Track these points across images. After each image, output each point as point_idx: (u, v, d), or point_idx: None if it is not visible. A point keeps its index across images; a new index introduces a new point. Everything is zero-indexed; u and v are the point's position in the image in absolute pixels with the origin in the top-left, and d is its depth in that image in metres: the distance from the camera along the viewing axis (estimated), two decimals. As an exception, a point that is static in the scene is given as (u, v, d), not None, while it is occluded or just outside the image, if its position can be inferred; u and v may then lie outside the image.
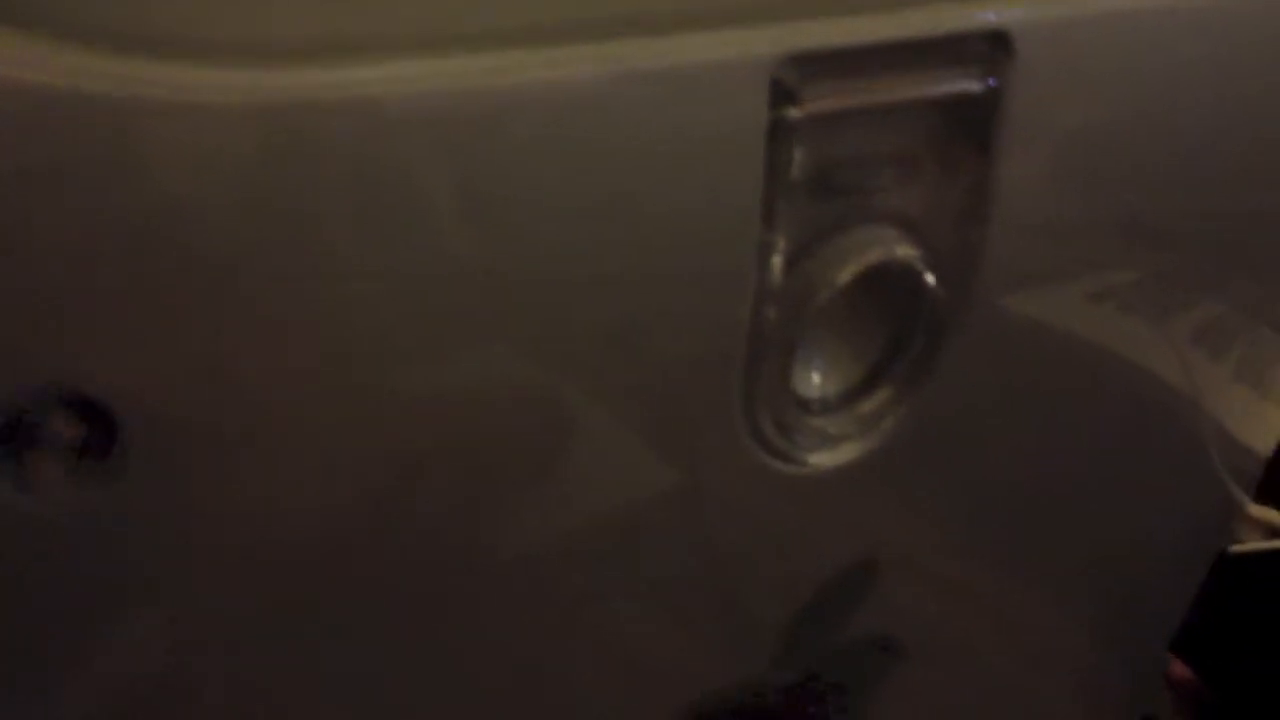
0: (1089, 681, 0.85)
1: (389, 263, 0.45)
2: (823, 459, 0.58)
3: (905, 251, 0.55)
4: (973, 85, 0.54)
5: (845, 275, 0.54)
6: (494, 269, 0.47)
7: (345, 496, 0.49)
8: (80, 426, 0.41)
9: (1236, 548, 1.12)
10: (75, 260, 0.40)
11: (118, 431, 0.41)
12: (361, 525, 0.50)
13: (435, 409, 0.49)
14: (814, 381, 0.58)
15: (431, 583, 0.53)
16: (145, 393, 0.42)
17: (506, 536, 0.53)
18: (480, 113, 0.44)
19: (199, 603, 0.48)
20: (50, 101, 0.38)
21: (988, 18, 0.53)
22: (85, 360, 0.41)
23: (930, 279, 0.56)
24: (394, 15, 0.44)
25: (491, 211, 0.46)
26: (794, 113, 0.50)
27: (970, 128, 0.55)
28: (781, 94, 0.49)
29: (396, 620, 0.53)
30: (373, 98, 0.42)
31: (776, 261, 0.52)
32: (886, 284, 0.56)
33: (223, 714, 0.51)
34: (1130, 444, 0.72)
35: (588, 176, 0.47)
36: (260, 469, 0.46)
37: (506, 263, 0.47)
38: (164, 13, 0.41)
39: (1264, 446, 0.80)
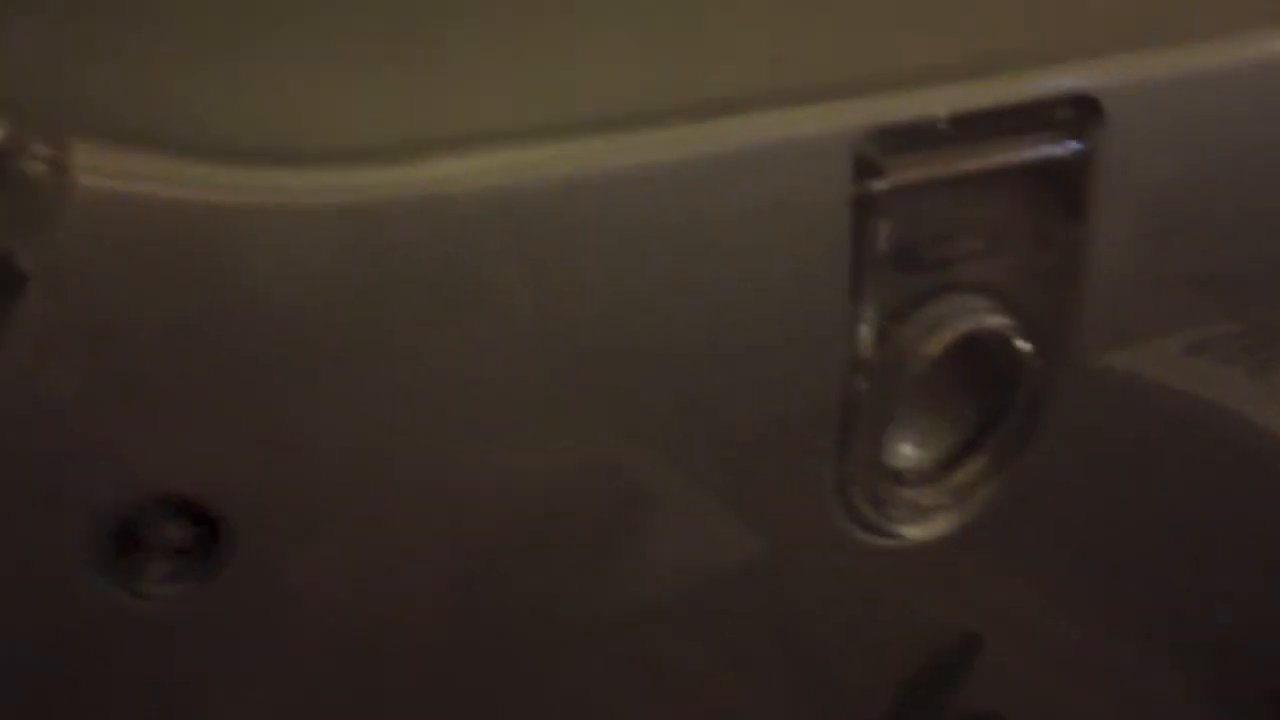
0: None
1: (473, 348, 0.46)
2: (916, 531, 0.57)
3: (997, 320, 0.54)
4: (1059, 150, 0.53)
5: (936, 346, 0.53)
6: (580, 350, 0.47)
7: (436, 573, 0.49)
8: (185, 528, 0.41)
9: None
10: (174, 363, 0.41)
11: (220, 531, 0.42)
12: (450, 602, 0.50)
13: (520, 487, 0.49)
14: (906, 453, 0.57)
15: (518, 658, 0.53)
16: (241, 490, 0.43)
17: (591, 611, 0.53)
18: (560, 199, 0.45)
19: (291, 687, 0.49)
20: (152, 209, 0.40)
21: (1073, 83, 0.52)
22: (185, 463, 0.42)
23: (1024, 346, 0.55)
24: (476, 112, 0.45)
25: (575, 294, 0.46)
26: (878, 186, 0.50)
27: (1058, 192, 0.54)
28: (865, 168, 0.49)
29: (484, 694, 0.53)
30: (449, 194, 0.43)
31: (865, 333, 0.52)
32: (979, 352, 0.55)
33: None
34: (1236, 499, 0.70)
35: (671, 256, 0.48)
36: (350, 555, 0.47)
37: (592, 342, 0.48)
38: (256, 125, 0.42)
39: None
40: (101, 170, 0.38)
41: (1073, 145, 0.53)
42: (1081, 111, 0.53)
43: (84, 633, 0.42)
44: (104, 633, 0.42)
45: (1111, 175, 0.54)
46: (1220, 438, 0.67)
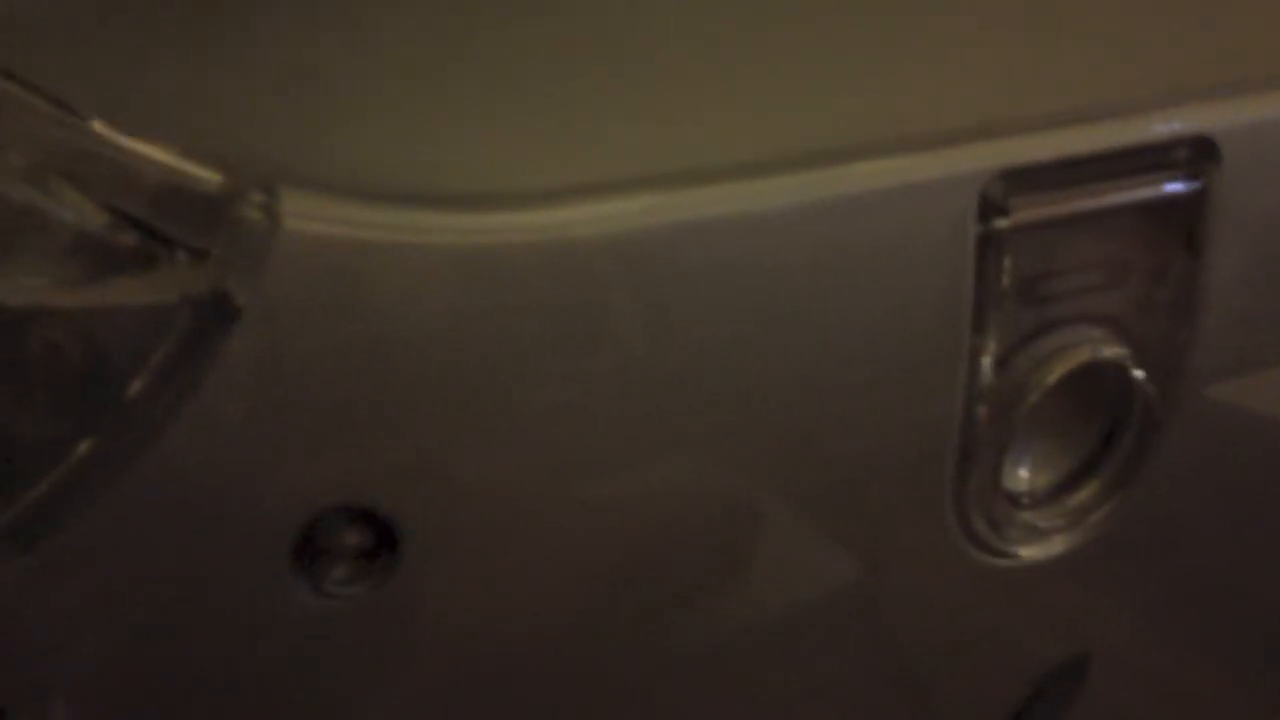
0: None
1: (593, 383, 0.48)
2: (1032, 552, 0.59)
3: (1114, 351, 0.57)
4: (1178, 188, 0.55)
5: (1054, 375, 0.55)
6: (697, 385, 0.50)
7: (558, 597, 0.52)
8: (365, 534, 0.45)
9: None
10: (346, 388, 0.45)
11: (397, 537, 0.46)
12: (571, 625, 0.53)
13: (637, 517, 0.51)
14: (1023, 476, 0.59)
15: (633, 672, 0.55)
16: (408, 499, 0.47)
17: (708, 637, 0.55)
18: (683, 243, 0.48)
19: (428, 692, 0.52)
20: (342, 249, 0.44)
21: (1190, 125, 0.54)
22: (360, 474, 0.46)
23: (1140, 375, 0.57)
24: (601, 160, 0.48)
25: (693, 335, 0.49)
26: (1002, 224, 0.52)
27: (1176, 228, 0.56)
28: (990, 207, 0.52)
29: (603, 707, 0.55)
30: (574, 239, 0.46)
31: (986, 363, 0.54)
32: (1096, 381, 0.57)
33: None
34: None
35: (797, 295, 0.50)
36: (486, 573, 0.50)
37: (717, 379, 0.50)
38: (410, 172, 0.46)
39: None
40: (306, 214, 0.42)
41: (1190, 184, 0.55)
42: (1198, 152, 0.55)
43: (273, 629, 0.46)
44: (292, 630, 0.46)
45: (1227, 212, 0.56)
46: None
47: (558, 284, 0.47)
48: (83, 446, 0.41)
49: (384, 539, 0.46)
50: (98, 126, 0.40)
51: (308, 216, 0.43)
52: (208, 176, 0.42)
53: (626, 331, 0.48)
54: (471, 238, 0.45)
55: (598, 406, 0.49)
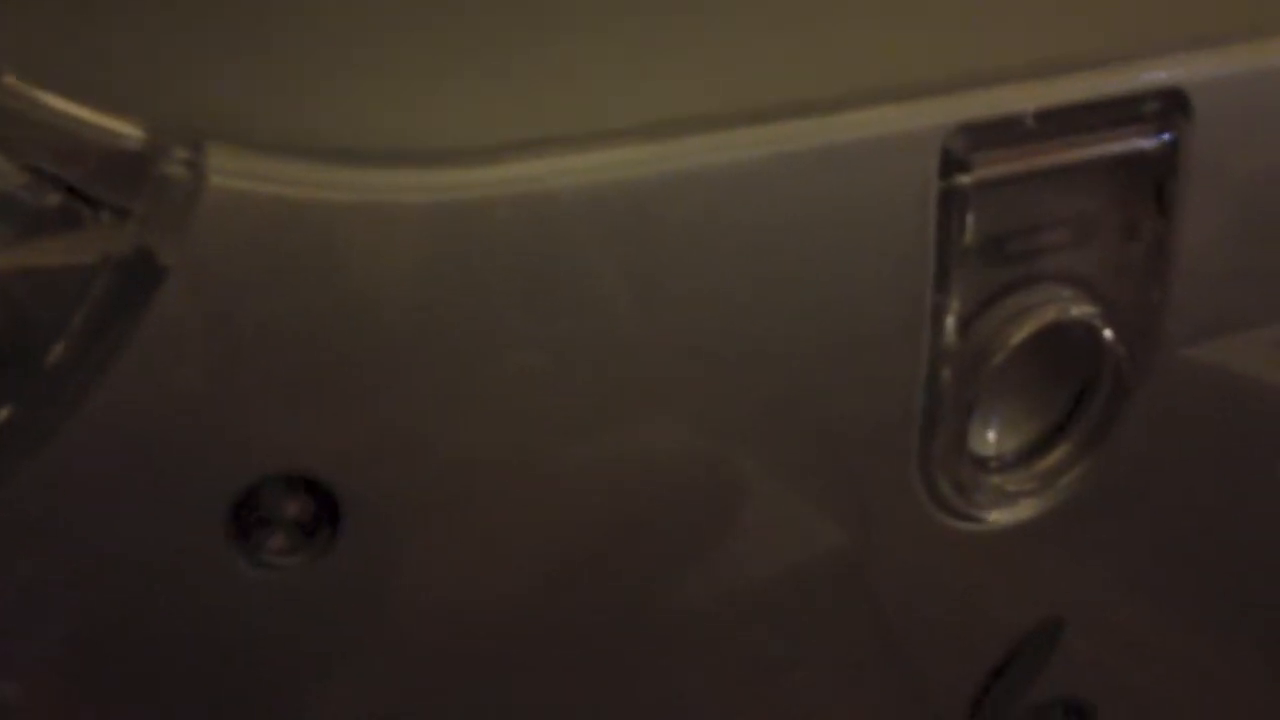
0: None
1: (562, 344, 0.47)
2: (1001, 516, 0.58)
3: (1082, 309, 0.55)
4: (1147, 143, 0.54)
5: (1020, 335, 0.54)
6: (664, 345, 0.49)
7: (532, 561, 0.51)
8: (305, 503, 0.44)
9: None
10: (292, 352, 0.44)
11: (339, 506, 0.44)
12: (544, 590, 0.52)
13: (607, 478, 0.51)
14: (991, 439, 0.58)
15: (604, 644, 0.54)
16: (354, 471, 0.46)
17: (679, 599, 0.55)
18: (651, 197, 0.46)
19: (400, 662, 0.51)
20: (276, 208, 0.42)
21: (1161, 77, 0.53)
22: (302, 442, 0.45)
23: (1109, 335, 0.56)
24: (565, 113, 0.47)
25: (659, 292, 0.48)
26: (965, 180, 0.51)
27: (1147, 184, 0.55)
28: (952, 163, 0.50)
29: (573, 679, 0.55)
30: (546, 192, 0.45)
31: (950, 323, 0.53)
32: (1065, 342, 0.56)
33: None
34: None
35: (758, 252, 0.49)
36: (453, 539, 0.49)
37: (677, 339, 0.49)
38: (365, 128, 0.45)
39: None
40: (233, 171, 0.41)
41: (1160, 139, 0.54)
42: (1169, 105, 0.53)
43: (208, 599, 0.45)
44: (226, 600, 0.45)
45: (1199, 168, 0.55)
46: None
47: (511, 242, 0.45)
48: (2, 414, 0.40)
49: (326, 509, 0.45)
50: (12, 81, 0.39)
51: (235, 173, 0.41)
52: (130, 133, 0.40)
53: (600, 288, 0.47)
54: (411, 195, 0.44)
55: (568, 371, 0.48)
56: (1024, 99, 0.51)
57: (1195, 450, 0.64)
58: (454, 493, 0.48)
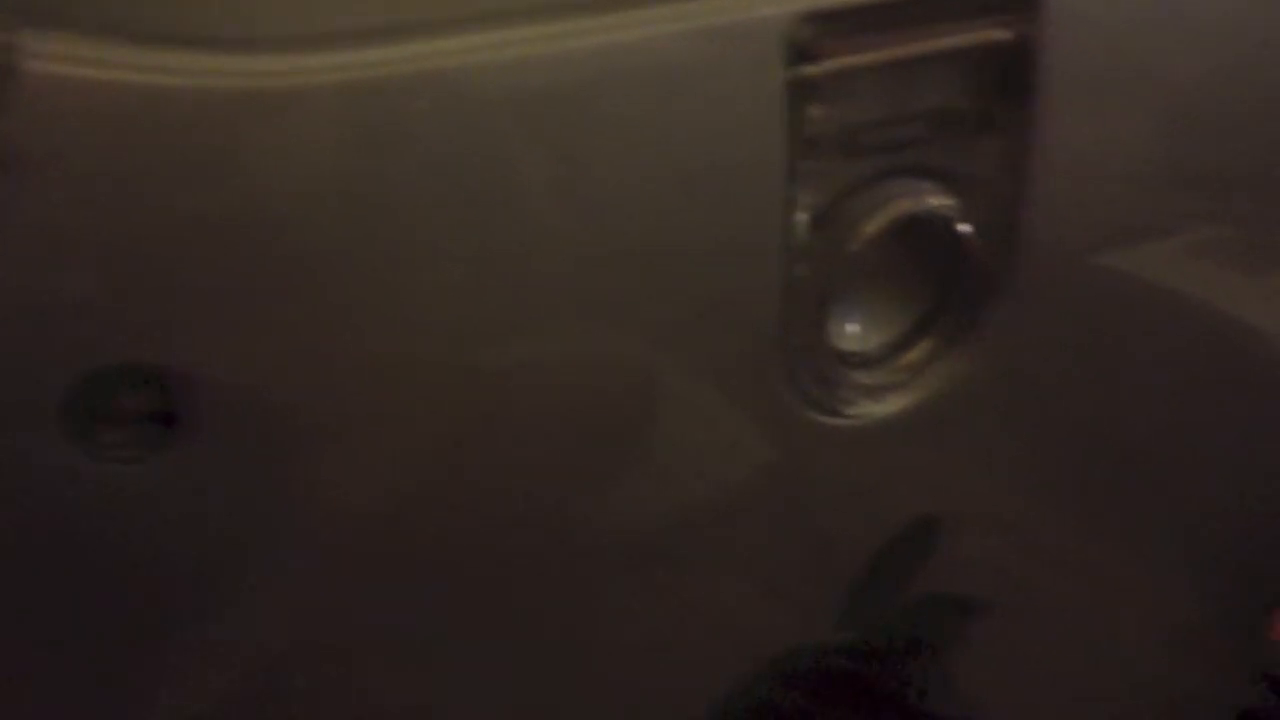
0: (1187, 637, 0.83)
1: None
2: (866, 410, 0.59)
3: (939, 202, 0.56)
4: (1000, 33, 0.54)
5: (873, 227, 0.54)
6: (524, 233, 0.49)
7: (441, 471, 0.51)
8: (145, 397, 0.44)
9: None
10: (121, 243, 0.44)
11: (177, 402, 0.44)
12: (454, 496, 0.52)
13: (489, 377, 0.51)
14: (854, 335, 0.58)
15: (498, 543, 0.54)
16: (216, 369, 0.45)
17: (554, 500, 0.55)
18: (488, 85, 0.46)
19: (277, 569, 0.51)
20: (131, 97, 0.42)
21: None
22: (150, 336, 0.44)
23: (965, 229, 0.56)
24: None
25: (519, 171, 0.48)
26: (812, 70, 0.51)
27: (1000, 76, 0.55)
28: (798, 52, 0.50)
29: (478, 582, 0.55)
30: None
31: (802, 218, 0.53)
32: (924, 237, 0.56)
33: (295, 676, 0.54)
34: (1206, 392, 0.70)
35: (602, 145, 0.49)
36: (346, 445, 0.49)
37: (534, 236, 0.49)
38: (228, 12, 0.44)
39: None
40: (55, 57, 0.41)
41: (1013, 31, 0.54)
42: (1022, -5, 0.53)
43: (43, 491, 0.45)
44: (60, 492, 0.45)
45: (1053, 61, 0.55)
46: (1184, 329, 0.67)
47: (335, 125, 0.45)
48: None
49: (168, 402, 0.45)
50: None
51: (52, 58, 0.41)
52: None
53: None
54: (234, 80, 0.43)
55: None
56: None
57: (1070, 348, 0.64)
58: (353, 399, 0.48)
